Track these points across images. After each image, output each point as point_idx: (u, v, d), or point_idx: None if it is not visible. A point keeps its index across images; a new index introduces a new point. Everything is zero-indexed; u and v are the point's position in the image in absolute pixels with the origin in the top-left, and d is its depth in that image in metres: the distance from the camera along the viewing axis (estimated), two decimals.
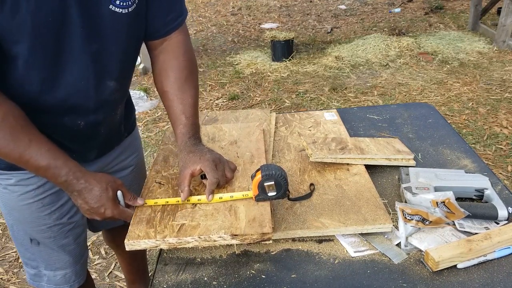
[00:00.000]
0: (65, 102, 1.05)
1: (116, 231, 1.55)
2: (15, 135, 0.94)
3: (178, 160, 1.11)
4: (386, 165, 1.32)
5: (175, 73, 1.16)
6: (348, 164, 1.29)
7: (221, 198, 1.10)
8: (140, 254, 1.80)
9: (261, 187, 1.05)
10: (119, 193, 1.07)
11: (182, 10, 1.18)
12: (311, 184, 1.21)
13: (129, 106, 1.37)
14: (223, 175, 1.12)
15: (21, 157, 0.95)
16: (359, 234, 1.07)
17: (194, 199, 1.10)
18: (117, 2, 0.99)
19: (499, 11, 5.27)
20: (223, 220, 1.03)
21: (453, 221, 1.07)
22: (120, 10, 1.00)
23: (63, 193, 1.19)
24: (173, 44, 1.18)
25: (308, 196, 1.17)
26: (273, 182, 1.04)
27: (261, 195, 1.06)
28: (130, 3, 1.01)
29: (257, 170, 1.06)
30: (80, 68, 1.01)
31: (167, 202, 1.10)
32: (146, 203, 1.10)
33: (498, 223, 1.08)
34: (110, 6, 0.98)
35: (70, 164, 1.00)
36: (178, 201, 1.10)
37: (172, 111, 1.15)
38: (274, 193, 1.06)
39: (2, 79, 0.96)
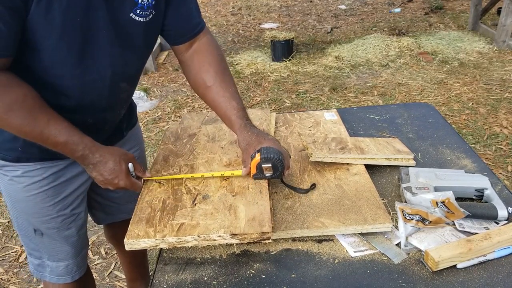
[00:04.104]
0: (80, 100, 1.10)
1: (117, 226, 1.57)
2: (35, 114, 1.00)
3: (239, 140, 1.19)
4: (386, 165, 1.32)
5: (214, 68, 1.24)
6: (348, 164, 1.29)
7: (222, 174, 1.19)
8: (141, 252, 1.81)
9: (259, 168, 1.13)
10: (130, 164, 1.13)
11: (201, 18, 1.27)
12: (313, 184, 1.21)
13: (131, 105, 1.42)
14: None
15: (42, 135, 1.02)
16: (359, 234, 1.07)
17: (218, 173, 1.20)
18: (138, 11, 1.07)
19: (499, 11, 5.27)
20: (222, 219, 1.03)
21: (453, 221, 1.07)
22: (139, 18, 1.08)
23: (66, 186, 1.25)
24: (205, 43, 1.26)
25: (302, 191, 1.18)
26: (270, 165, 1.12)
27: (258, 174, 1.14)
28: (148, 13, 1.09)
29: (257, 152, 1.12)
30: (99, 69, 1.08)
31: (212, 175, 1.19)
32: (152, 177, 1.20)
33: (498, 223, 1.08)
34: (131, 14, 1.06)
35: (85, 140, 1.07)
36: (182, 177, 1.19)
37: (221, 100, 1.23)
38: (271, 174, 1.14)
39: (23, 67, 1.01)
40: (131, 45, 1.11)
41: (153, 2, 1.09)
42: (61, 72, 1.04)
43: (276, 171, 1.13)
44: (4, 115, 0.97)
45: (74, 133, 1.05)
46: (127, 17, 1.06)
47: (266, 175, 1.14)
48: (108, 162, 1.09)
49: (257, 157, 1.11)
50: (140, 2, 1.06)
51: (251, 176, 1.15)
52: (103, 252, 2.41)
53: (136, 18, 1.07)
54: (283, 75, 4.58)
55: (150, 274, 1.87)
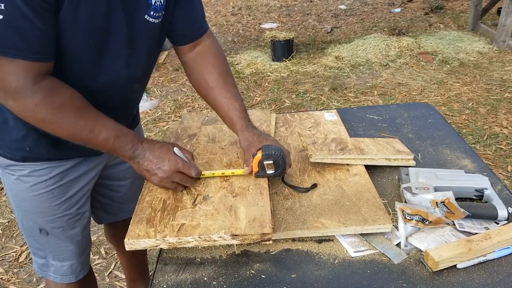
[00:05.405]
0: (94, 100, 1.11)
1: (117, 226, 1.57)
2: (83, 113, 1.03)
3: (240, 140, 1.21)
4: (386, 165, 1.32)
5: (217, 69, 1.27)
6: (348, 164, 1.29)
7: (223, 173, 1.19)
8: (141, 252, 1.81)
9: (260, 165, 1.14)
10: (175, 149, 1.13)
11: (205, 20, 1.30)
12: (315, 184, 1.21)
13: None
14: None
15: (92, 132, 1.04)
16: (359, 234, 1.07)
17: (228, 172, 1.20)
18: (151, 13, 1.10)
19: (499, 11, 5.27)
20: (223, 220, 1.03)
21: (453, 221, 1.07)
22: (153, 20, 1.11)
23: (72, 185, 1.26)
24: (208, 46, 1.29)
25: (303, 190, 1.19)
26: (272, 162, 1.13)
27: (260, 172, 1.15)
28: (160, 14, 1.12)
29: (258, 149, 1.13)
30: (115, 70, 1.10)
31: (213, 174, 1.19)
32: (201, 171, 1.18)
33: (498, 223, 1.08)
34: (145, 16, 1.09)
35: (132, 132, 1.11)
36: (224, 173, 1.19)
37: (224, 101, 1.25)
38: (272, 171, 1.14)
39: (58, 68, 1.02)
40: (144, 46, 1.14)
41: (164, 3, 1.11)
42: (79, 73, 1.06)
43: (277, 168, 1.14)
44: (55, 117, 1.00)
45: (121, 127, 1.08)
46: (141, 19, 1.08)
47: (268, 172, 1.14)
48: (154, 147, 1.11)
49: (259, 154, 1.13)
50: (153, 3, 1.08)
51: (253, 174, 1.16)
52: (103, 252, 2.41)
53: (150, 19, 1.10)
54: (283, 75, 4.58)
55: (150, 274, 1.88)
